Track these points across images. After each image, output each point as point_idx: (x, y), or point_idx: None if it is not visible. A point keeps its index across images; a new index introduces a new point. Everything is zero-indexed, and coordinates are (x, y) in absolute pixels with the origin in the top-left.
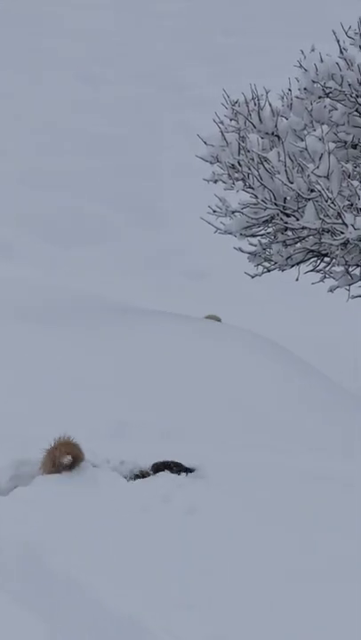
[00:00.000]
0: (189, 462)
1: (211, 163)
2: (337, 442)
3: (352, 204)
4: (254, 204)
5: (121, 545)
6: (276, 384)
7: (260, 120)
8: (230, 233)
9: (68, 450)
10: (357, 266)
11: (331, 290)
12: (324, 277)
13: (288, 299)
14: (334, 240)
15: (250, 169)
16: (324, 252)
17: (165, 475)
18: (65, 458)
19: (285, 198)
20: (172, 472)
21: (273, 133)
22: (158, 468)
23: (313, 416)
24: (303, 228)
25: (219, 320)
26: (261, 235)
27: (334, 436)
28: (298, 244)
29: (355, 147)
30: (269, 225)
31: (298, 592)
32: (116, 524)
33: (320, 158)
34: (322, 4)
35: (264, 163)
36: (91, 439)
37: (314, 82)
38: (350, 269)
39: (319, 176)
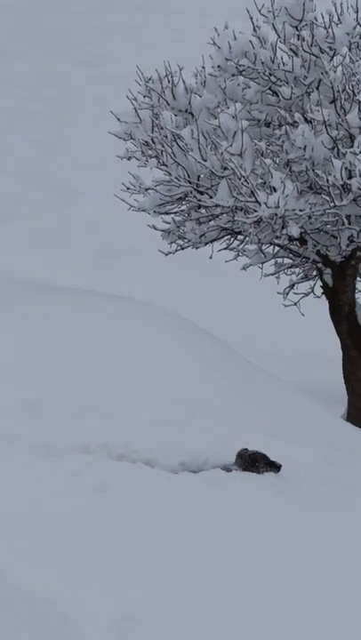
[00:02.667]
0: (100, 441)
1: (124, 139)
2: (242, 417)
3: (265, 183)
4: (168, 182)
5: (35, 524)
6: (198, 364)
7: (173, 97)
8: (144, 210)
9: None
10: (270, 244)
11: (244, 268)
12: (238, 255)
13: (202, 278)
14: (247, 218)
15: (163, 146)
16: (237, 230)
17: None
18: None
19: (199, 176)
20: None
21: (187, 111)
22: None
23: (227, 395)
24: (217, 205)
25: None
26: (175, 212)
27: (244, 413)
28: (211, 222)
29: (268, 125)
30: (183, 202)
31: (213, 571)
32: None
33: (233, 136)
34: None
35: (177, 140)
36: (3, 417)
37: (227, 59)
38: (263, 247)
39: (232, 154)
